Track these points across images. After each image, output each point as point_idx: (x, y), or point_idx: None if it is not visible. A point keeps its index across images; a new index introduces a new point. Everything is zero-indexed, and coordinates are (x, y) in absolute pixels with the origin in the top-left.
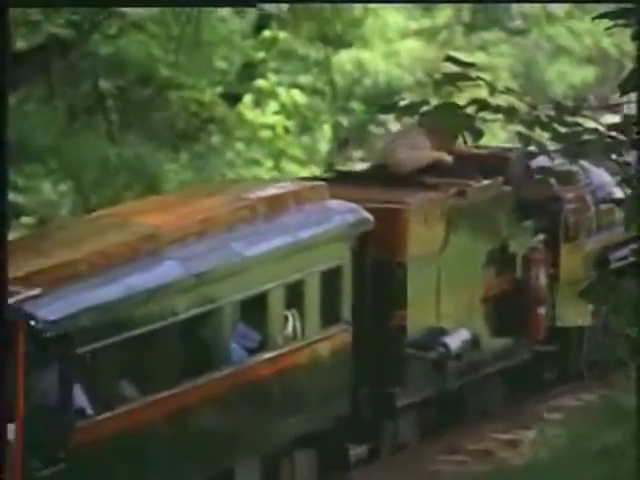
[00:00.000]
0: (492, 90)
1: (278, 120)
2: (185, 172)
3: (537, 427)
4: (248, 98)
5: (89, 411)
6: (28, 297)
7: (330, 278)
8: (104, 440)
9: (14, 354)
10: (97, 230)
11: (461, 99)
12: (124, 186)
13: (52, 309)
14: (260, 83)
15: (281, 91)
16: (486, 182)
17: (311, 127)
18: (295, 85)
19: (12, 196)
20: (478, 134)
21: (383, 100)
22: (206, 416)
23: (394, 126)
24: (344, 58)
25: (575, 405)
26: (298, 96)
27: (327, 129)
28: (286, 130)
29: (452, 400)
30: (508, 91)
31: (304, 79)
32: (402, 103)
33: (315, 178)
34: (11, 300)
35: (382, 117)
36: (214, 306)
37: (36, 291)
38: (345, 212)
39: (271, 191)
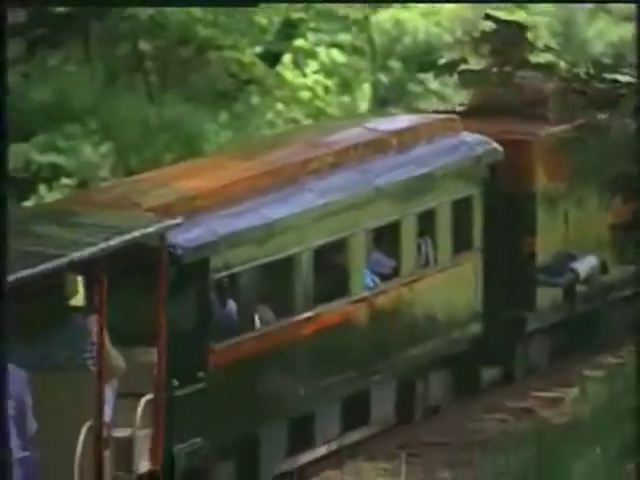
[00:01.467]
0: (531, 48)
1: (317, 80)
2: (225, 132)
3: (578, 385)
4: (287, 58)
5: (226, 334)
6: (169, 226)
7: (461, 207)
8: (241, 361)
9: (157, 280)
10: (230, 164)
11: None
12: (164, 147)
13: (192, 237)
14: (299, 43)
15: (320, 50)
16: (606, 115)
17: (350, 86)
18: (334, 44)
19: (52, 157)
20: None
21: (422, 58)
22: (341, 340)
23: (434, 85)
24: (383, 17)
25: (615, 362)
26: (337, 55)
27: (366, 88)
28: (326, 89)
29: (581, 325)
30: (547, 49)
31: (343, 38)
32: (441, 61)
33: (447, 112)
34: (153, 228)
35: (421, 75)
36: (348, 234)
37: (177, 220)
38: (476, 144)
39: (404, 124)
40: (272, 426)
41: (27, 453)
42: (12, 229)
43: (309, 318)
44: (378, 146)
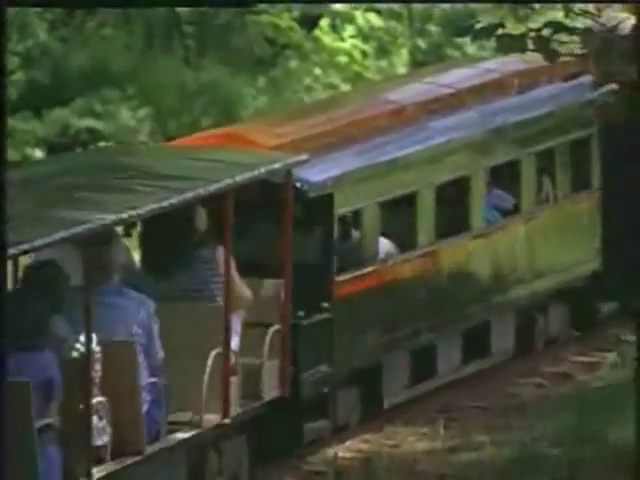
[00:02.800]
0: (568, 12)
1: (355, 44)
2: (262, 97)
3: (616, 349)
4: (325, 22)
5: (349, 266)
6: (295, 162)
7: (580, 146)
8: (363, 292)
9: (283, 215)
10: (352, 103)
11: (537, 21)
12: (201, 111)
13: (317, 172)
14: (337, 7)
15: (358, 15)
16: None
17: (388, 51)
18: (372, 8)
19: (90, 122)
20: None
21: (460, 23)
22: (461, 273)
23: (471, 49)
24: None
25: None
26: (375, 19)
27: (404, 52)
28: (363, 54)
29: None
30: (584, 13)
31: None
32: (478, 26)
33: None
34: (280, 165)
35: (458, 40)
36: (469, 172)
37: (303, 156)
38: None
39: (525, 66)
40: (394, 355)
41: (155, 379)
42: (138, 168)
43: (430, 252)
44: (499, 87)
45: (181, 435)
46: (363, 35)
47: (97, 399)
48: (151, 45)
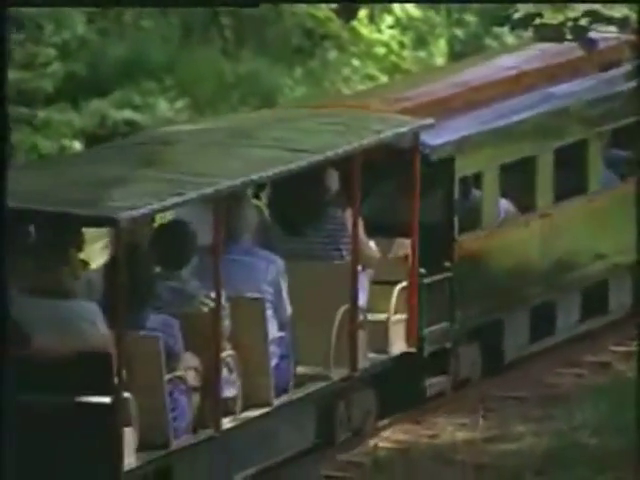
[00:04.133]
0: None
1: (393, 35)
2: (300, 88)
3: None
4: (363, 13)
5: (471, 227)
6: (422, 125)
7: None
8: (484, 251)
9: (409, 177)
10: (470, 70)
11: (575, 11)
12: (239, 102)
13: (440, 136)
14: None
15: (395, 5)
16: None
17: (426, 41)
18: None
19: (128, 113)
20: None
21: (497, 12)
22: (578, 234)
23: (509, 38)
24: None
25: None
26: (413, 10)
27: (442, 43)
28: (401, 45)
29: None
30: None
31: None
32: (516, 15)
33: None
34: (407, 128)
35: (497, 29)
36: (587, 135)
37: (428, 121)
38: None
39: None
40: (514, 313)
41: (283, 334)
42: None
43: (548, 214)
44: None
45: (309, 388)
46: (401, 26)
47: (226, 352)
48: (189, 36)
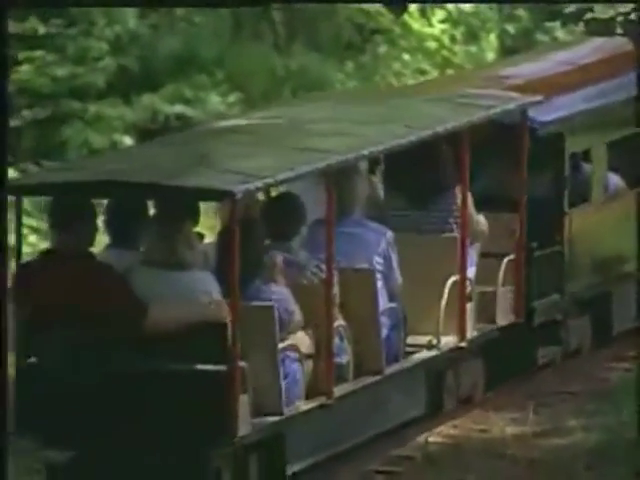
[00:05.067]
0: None
1: (444, 29)
2: (351, 82)
3: None
4: (414, 7)
5: (580, 201)
6: (530, 102)
7: None
8: (593, 224)
9: (518, 153)
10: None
11: (626, 6)
12: (290, 96)
13: (549, 113)
14: None
15: None
16: None
17: (477, 36)
18: None
19: (180, 108)
20: None
21: (549, 7)
22: None
23: (560, 33)
24: None
25: None
26: (464, 4)
27: (493, 38)
28: (452, 39)
29: None
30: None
31: None
32: (567, 10)
33: None
34: (515, 104)
35: (548, 24)
36: None
37: (537, 97)
38: None
39: None
40: (622, 286)
41: (394, 305)
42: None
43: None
44: None
45: (419, 357)
46: (452, 20)
47: (338, 322)
48: (240, 31)
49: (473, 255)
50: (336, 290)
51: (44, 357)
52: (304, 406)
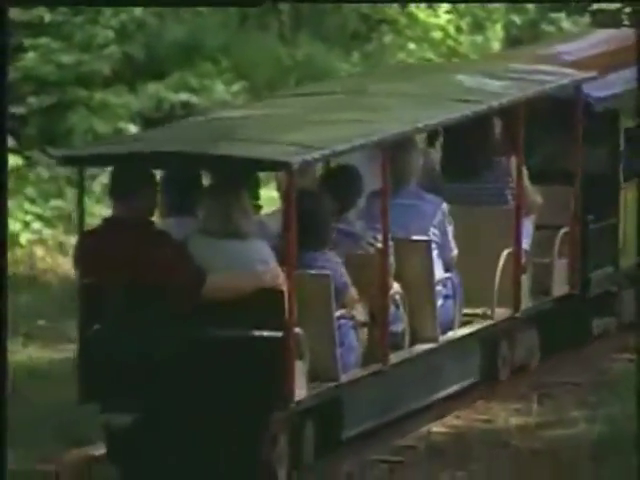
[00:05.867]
0: None
1: (450, 19)
2: (356, 71)
3: None
4: None
5: (632, 176)
6: (584, 78)
7: None
8: None
9: (573, 127)
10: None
11: None
12: (296, 86)
13: (603, 88)
14: None
15: None
16: None
17: (483, 26)
18: None
19: (185, 96)
20: None
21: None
22: None
23: (565, 23)
24: None
25: None
26: None
27: (499, 28)
28: (458, 29)
29: None
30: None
31: None
32: (573, 1)
33: None
34: (569, 80)
35: (553, 15)
36: None
37: (592, 73)
38: None
39: None
40: None
41: (449, 275)
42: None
43: None
44: None
45: (474, 327)
46: (458, 10)
47: (394, 290)
48: (246, 20)
49: (528, 227)
50: (392, 260)
51: (106, 324)
52: (360, 373)
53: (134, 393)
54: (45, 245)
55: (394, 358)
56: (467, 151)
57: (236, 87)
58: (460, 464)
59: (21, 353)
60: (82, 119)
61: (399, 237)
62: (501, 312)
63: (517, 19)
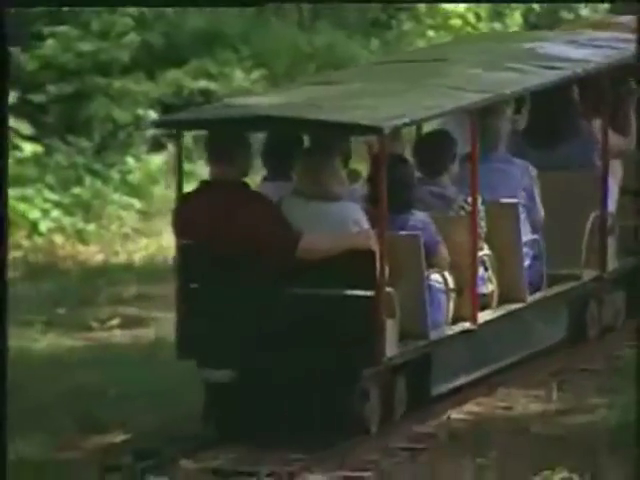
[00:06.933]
0: None
1: (469, 7)
2: (375, 59)
3: None
4: None
5: None
6: None
7: None
8: None
9: None
10: None
11: None
12: (315, 73)
13: None
14: None
15: None
16: None
17: (502, 14)
18: None
19: (204, 83)
20: None
21: None
22: None
23: (584, 11)
24: None
25: None
26: None
27: (517, 15)
28: (477, 16)
29: None
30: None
31: None
32: None
33: None
34: None
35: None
36: None
37: None
38: None
39: None
40: None
41: (536, 236)
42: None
43: None
44: None
45: (561, 287)
46: None
47: (483, 252)
48: (266, 8)
49: (614, 190)
50: (482, 222)
51: (203, 283)
52: (449, 331)
53: (230, 350)
54: (64, 233)
55: (483, 317)
56: (553, 117)
57: (255, 74)
58: (480, 451)
59: (40, 341)
60: (101, 106)
61: (488, 200)
62: (588, 273)
63: (536, 6)
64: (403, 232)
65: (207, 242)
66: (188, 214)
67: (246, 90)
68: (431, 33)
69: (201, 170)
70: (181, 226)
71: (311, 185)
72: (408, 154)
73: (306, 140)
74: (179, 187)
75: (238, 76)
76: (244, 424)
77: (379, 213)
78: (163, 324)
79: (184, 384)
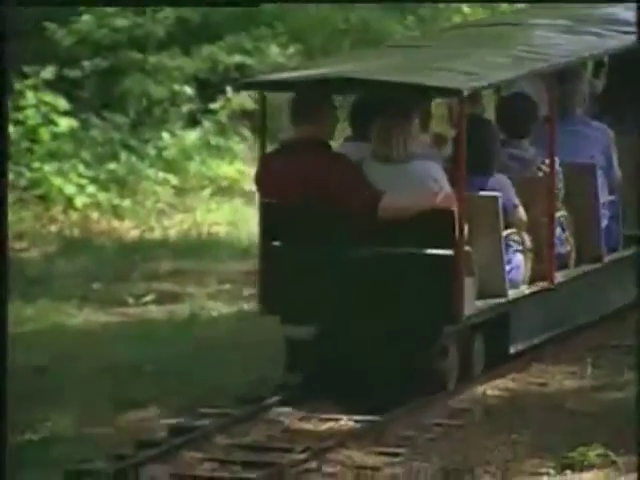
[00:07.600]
0: None
1: None
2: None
3: None
4: None
5: None
6: None
7: None
8: None
9: None
10: None
11: None
12: (350, 49)
13: None
14: None
15: None
16: None
17: None
18: None
19: (240, 58)
20: None
21: None
22: None
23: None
24: None
25: None
26: None
27: None
28: None
29: None
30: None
31: None
32: None
33: None
34: None
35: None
36: None
37: None
38: None
39: None
40: None
41: (613, 198)
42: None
43: None
44: None
45: (637, 248)
46: None
47: (560, 213)
48: None
49: None
50: (560, 184)
51: (285, 241)
52: (527, 290)
53: (313, 307)
54: (100, 208)
55: (560, 277)
56: (632, 80)
57: (291, 50)
58: (515, 427)
59: (76, 316)
60: (136, 82)
61: (566, 161)
62: None
63: None
64: (482, 193)
65: (290, 201)
66: (270, 173)
67: (282, 65)
68: (466, 9)
69: (237, 147)
70: (263, 185)
71: (387, 147)
72: (491, 117)
73: (387, 102)
74: (262, 147)
75: (274, 51)
76: (325, 381)
77: (458, 174)
78: (198, 300)
79: (218, 361)
